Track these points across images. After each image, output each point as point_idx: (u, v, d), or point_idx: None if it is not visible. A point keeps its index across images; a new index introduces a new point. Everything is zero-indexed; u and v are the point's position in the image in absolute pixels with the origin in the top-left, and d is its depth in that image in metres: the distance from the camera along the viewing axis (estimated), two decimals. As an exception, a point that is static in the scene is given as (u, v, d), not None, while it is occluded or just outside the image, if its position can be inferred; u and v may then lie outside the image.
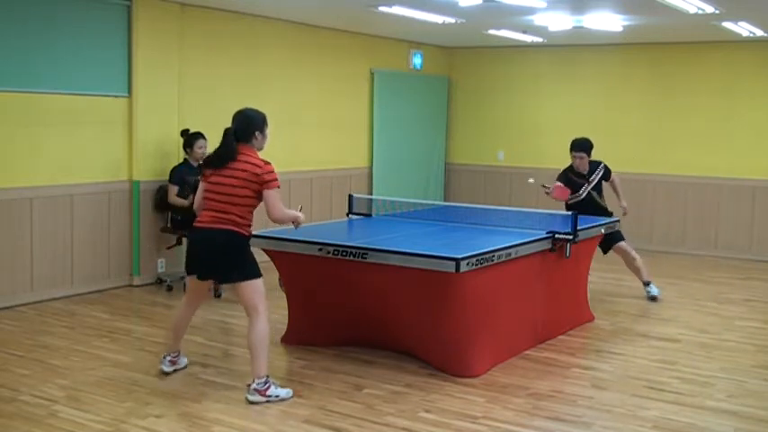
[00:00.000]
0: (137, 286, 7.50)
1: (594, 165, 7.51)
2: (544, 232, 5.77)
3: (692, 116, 10.06)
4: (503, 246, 5.22)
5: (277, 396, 4.59)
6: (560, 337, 6.08)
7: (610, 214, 7.35)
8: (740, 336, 6.28)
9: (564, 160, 7.58)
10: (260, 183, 4.54)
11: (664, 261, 9.57)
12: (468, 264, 4.80)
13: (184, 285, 7.28)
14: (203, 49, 8.01)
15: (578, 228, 5.81)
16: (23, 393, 4.65)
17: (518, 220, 6.36)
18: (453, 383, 4.95)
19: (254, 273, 4.64)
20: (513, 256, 5.27)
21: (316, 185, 9.38)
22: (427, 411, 4.50)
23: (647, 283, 7.49)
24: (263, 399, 4.56)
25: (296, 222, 4.82)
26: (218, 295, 7.14)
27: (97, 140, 7.19)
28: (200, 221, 4.66)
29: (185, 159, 7.46)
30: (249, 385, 4.61)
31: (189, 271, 4.78)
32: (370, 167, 10.46)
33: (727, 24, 8.23)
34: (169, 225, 7.55)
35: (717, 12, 7.34)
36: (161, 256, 7.70)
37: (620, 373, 5.29)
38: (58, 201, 6.91)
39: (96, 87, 7.13)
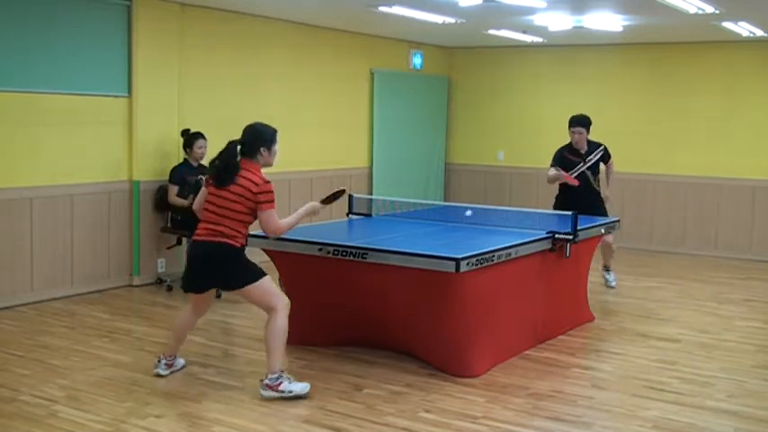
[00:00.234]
0: (137, 286, 7.50)
1: (594, 145, 7.50)
2: (544, 232, 5.77)
3: (692, 116, 10.06)
4: (503, 246, 5.22)
5: (291, 391, 4.58)
6: (560, 337, 6.08)
7: (601, 199, 7.38)
8: (740, 336, 6.28)
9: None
10: (254, 201, 4.52)
11: (664, 261, 9.58)
12: (468, 264, 4.79)
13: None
14: (203, 49, 8.01)
15: (578, 228, 5.81)
16: (23, 393, 4.65)
17: (518, 220, 6.35)
18: (453, 383, 4.95)
19: (255, 275, 4.62)
20: (513, 256, 5.27)
21: (316, 185, 9.37)
22: (427, 411, 4.50)
23: (607, 269, 7.75)
24: (276, 394, 4.56)
25: (313, 213, 4.78)
26: (218, 295, 7.13)
27: (97, 140, 7.19)
28: (197, 234, 4.66)
29: (185, 159, 7.46)
30: (262, 381, 4.61)
31: (186, 288, 4.79)
32: (370, 167, 10.46)
33: (727, 24, 8.23)
34: (169, 225, 7.55)
35: (717, 12, 7.34)
36: (161, 256, 7.71)
37: (620, 373, 5.29)
38: (57, 201, 6.91)
39: (96, 87, 7.13)
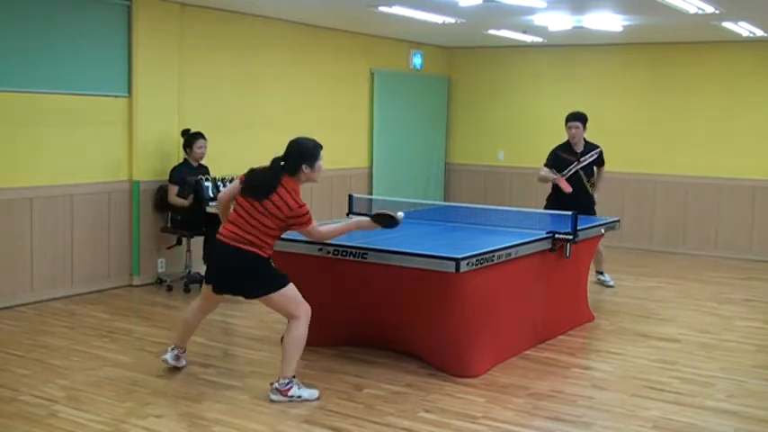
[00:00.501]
0: (137, 286, 7.50)
1: (591, 146, 7.53)
2: (544, 232, 5.77)
3: (693, 116, 10.06)
4: (503, 246, 5.22)
5: (299, 396, 4.57)
6: (560, 337, 6.08)
7: (594, 202, 7.41)
8: (740, 336, 6.28)
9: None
10: (286, 224, 4.52)
11: (664, 261, 9.58)
12: (468, 264, 4.80)
13: (185, 285, 7.31)
14: (203, 49, 8.01)
15: (578, 228, 5.81)
16: (23, 393, 4.65)
17: (518, 220, 6.35)
18: (453, 383, 4.95)
19: (279, 283, 4.58)
20: (513, 256, 5.27)
21: (316, 185, 9.34)
22: (427, 411, 4.50)
23: (600, 272, 7.81)
24: (285, 398, 4.55)
25: (364, 226, 4.88)
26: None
27: (97, 140, 7.19)
28: (223, 234, 4.59)
29: (185, 159, 7.46)
30: (272, 384, 4.60)
31: (208, 281, 4.77)
32: (370, 167, 10.46)
33: (727, 24, 8.23)
34: (169, 225, 7.55)
35: (717, 12, 7.34)
36: (161, 256, 7.70)
37: (620, 373, 5.29)
38: (57, 201, 6.91)
39: (96, 87, 7.13)
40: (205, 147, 7.41)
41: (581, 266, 6.48)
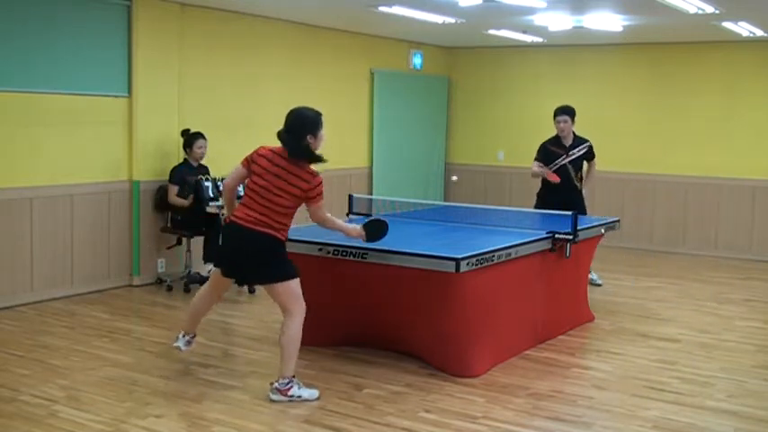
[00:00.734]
0: (137, 286, 7.50)
1: (580, 140, 7.57)
2: (544, 232, 5.77)
3: (692, 116, 10.06)
4: (503, 246, 5.22)
5: (299, 396, 4.56)
6: (560, 337, 6.08)
7: (582, 197, 7.42)
8: (740, 336, 6.28)
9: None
10: (303, 197, 4.49)
11: (664, 261, 9.58)
12: (468, 264, 4.80)
13: (185, 285, 7.30)
14: (203, 49, 8.01)
15: (578, 228, 5.81)
16: (23, 393, 4.65)
17: (518, 220, 6.35)
18: (453, 383, 4.95)
19: (287, 274, 4.55)
20: (513, 256, 5.27)
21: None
22: (427, 411, 4.50)
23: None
24: (285, 398, 4.55)
25: (352, 236, 4.82)
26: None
27: (97, 140, 7.19)
28: (237, 216, 4.53)
29: (185, 159, 7.46)
30: (272, 384, 4.60)
31: (217, 264, 4.76)
32: (370, 167, 10.46)
33: (727, 24, 8.23)
34: (169, 225, 7.55)
35: (717, 12, 7.34)
36: (161, 256, 7.70)
37: (620, 373, 5.29)
38: (57, 201, 6.91)
39: (96, 87, 7.13)
40: (205, 147, 7.42)
41: (581, 266, 6.48)
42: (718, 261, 9.59)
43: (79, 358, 5.34)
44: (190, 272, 7.40)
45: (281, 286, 4.55)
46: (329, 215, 4.72)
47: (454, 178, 7.31)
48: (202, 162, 7.49)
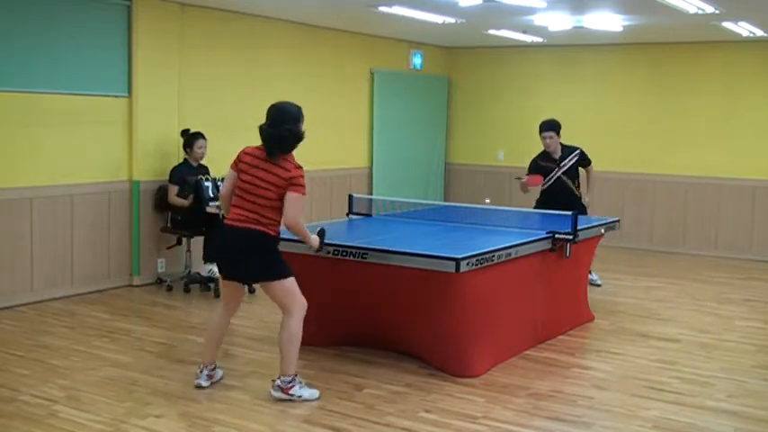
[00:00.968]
0: (137, 286, 7.50)
1: (569, 150, 7.58)
2: (544, 232, 5.77)
3: (692, 116, 10.06)
4: (503, 246, 5.22)
5: (300, 396, 4.55)
6: (560, 337, 6.08)
7: (581, 204, 7.42)
8: (740, 336, 6.28)
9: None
10: (286, 187, 4.46)
11: (664, 261, 9.58)
12: (468, 264, 4.80)
13: (185, 285, 7.30)
14: (203, 49, 8.01)
15: (578, 228, 5.81)
16: (23, 393, 4.65)
17: (518, 220, 6.35)
18: (453, 383, 4.95)
19: (283, 272, 4.55)
20: (513, 256, 5.27)
21: (316, 185, 9.37)
22: (427, 411, 4.50)
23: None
24: (286, 396, 4.54)
25: (311, 245, 4.73)
26: (218, 295, 7.13)
27: (97, 140, 7.19)
28: (229, 219, 4.58)
29: (185, 159, 7.46)
30: (274, 381, 4.59)
31: (219, 269, 4.75)
32: (370, 167, 10.46)
33: (727, 24, 8.23)
34: (169, 225, 7.54)
35: (717, 12, 7.34)
36: (161, 256, 7.70)
37: (620, 373, 5.29)
38: (57, 201, 6.91)
39: (96, 87, 7.13)
40: (205, 147, 7.41)
41: (581, 266, 6.48)
42: (718, 261, 9.59)
43: (79, 358, 5.34)
44: (190, 272, 7.40)
45: (279, 284, 4.55)
46: (302, 221, 4.59)
47: (487, 201, 7.28)
48: (202, 162, 7.49)
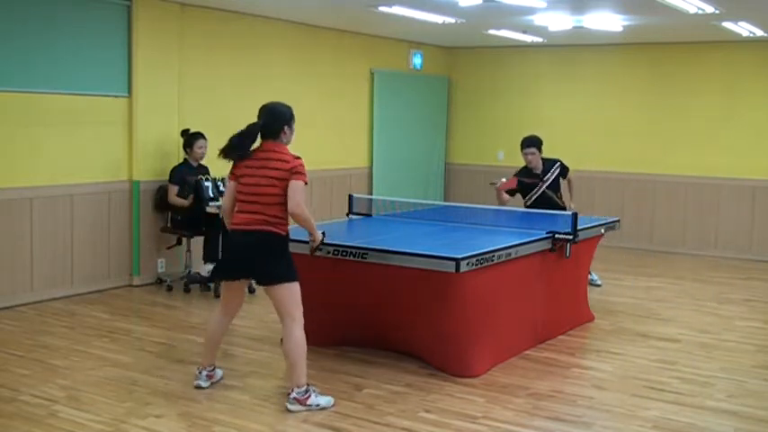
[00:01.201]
0: (137, 286, 7.50)
1: (550, 163, 7.59)
2: (544, 232, 5.77)
3: (692, 116, 10.06)
4: (503, 246, 5.22)
5: (318, 405, 4.48)
6: (560, 337, 6.08)
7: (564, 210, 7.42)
8: (740, 336, 6.28)
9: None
10: (288, 178, 4.41)
11: (664, 261, 9.57)
12: (468, 264, 4.79)
13: (185, 285, 7.30)
14: (203, 49, 8.01)
15: (578, 228, 5.81)
16: (23, 393, 4.65)
17: (518, 221, 6.35)
18: (453, 383, 4.94)
19: (290, 276, 4.49)
20: (513, 256, 5.27)
21: (316, 185, 9.37)
22: (427, 411, 4.50)
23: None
24: (303, 408, 4.45)
25: (314, 241, 4.67)
26: (218, 295, 7.13)
27: (97, 140, 7.19)
28: (236, 223, 4.53)
29: (185, 159, 7.46)
30: (289, 394, 4.50)
31: (221, 276, 4.65)
32: (370, 167, 10.46)
33: (727, 24, 8.23)
34: (169, 225, 7.55)
35: (717, 12, 7.34)
36: (161, 256, 7.70)
37: (620, 373, 5.29)
38: (57, 201, 6.91)
39: (96, 87, 7.13)
40: (205, 147, 7.41)
41: (581, 266, 6.48)
42: (718, 261, 9.59)
43: (79, 358, 5.34)
44: (190, 272, 7.40)
45: (287, 288, 4.47)
46: (308, 213, 4.58)
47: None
48: (202, 162, 7.49)
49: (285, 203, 4.44)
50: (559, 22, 8.38)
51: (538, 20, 8.34)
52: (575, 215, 5.83)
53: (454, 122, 11.72)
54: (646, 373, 5.28)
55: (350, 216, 6.70)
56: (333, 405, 4.53)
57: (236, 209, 4.57)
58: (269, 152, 4.50)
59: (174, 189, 7.27)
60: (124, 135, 7.41)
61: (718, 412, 4.61)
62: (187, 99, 7.83)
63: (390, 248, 5.04)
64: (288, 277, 4.49)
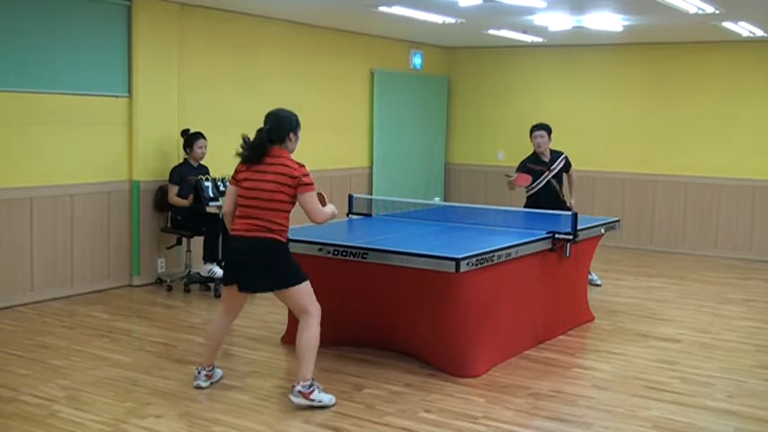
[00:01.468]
0: (137, 286, 7.50)
1: (557, 154, 7.62)
2: (544, 232, 5.77)
3: (692, 116, 10.05)
4: (503, 246, 5.22)
5: (320, 401, 4.48)
6: (560, 337, 6.08)
7: (568, 209, 7.42)
8: (740, 336, 6.28)
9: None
10: (296, 186, 4.44)
11: (664, 261, 9.57)
12: (468, 264, 4.80)
13: (185, 285, 7.30)
14: (203, 49, 8.01)
15: (578, 228, 5.81)
16: (23, 393, 4.65)
17: (518, 220, 6.35)
18: (453, 383, 4.94)
19: (299, 277, 4.51)
20: (513, 256, 5.27)
21: (316, 185, 9.35)
22: (427, 411, 4.50)
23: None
24: (306, 402, 4.46)
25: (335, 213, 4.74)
26: (218, 295, 7.13)
27: (97, 140, 7.19)
28: (236, 229, 4.53)
29: (185, 159, 7.46)
30: (294, 387, 4.51)
31: (228, 281, 4.62)
32: (370, 167, 10.46)
33: (728, 24, 8.23)
34: (169, 225, 7.55)
35: (717, 12, 7.34)
36: (161, 256, 7.70)
37: (620, 373, 5.29)
38: (57, 201, 6.91)
39: (96, 87, 7.13)
40: (205, 147, 7.41)
41: (581, 266, 6.48)
42: (718, 261, 9.59)
43: (79, 358, 5.34)
44: (190, 272, 7.40)
45: (297, 290, 4.49)
46: (326, 207, 4.62)
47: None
48: (202, 162, 7.49)
49: (288, 210, 4.48)
50: (559, 22, 8.39)
51: (538, 20, 8.34)
52: (575, 215, 5.83)
53: (454, 122, 11.72)
54: (646, 373, 5.28)
55: (350, 216, 6.70)
56: (335, 404, 4.53)
57: (237, 212, 4.57)
58: (274, 158, 4.50)
59: (174, 189, 7.27)
60: (124, 135, 7.41)
61: (718, 412, 4.61)
62: (187, 99, 7.83)
63: (390, 248, 5.04)
64: (295, 280, 4.50)
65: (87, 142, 7.10)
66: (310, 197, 4.49)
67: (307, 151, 9.29)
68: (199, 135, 7.41)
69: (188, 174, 7.27)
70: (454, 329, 5.07)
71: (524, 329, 5.72)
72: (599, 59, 10.62)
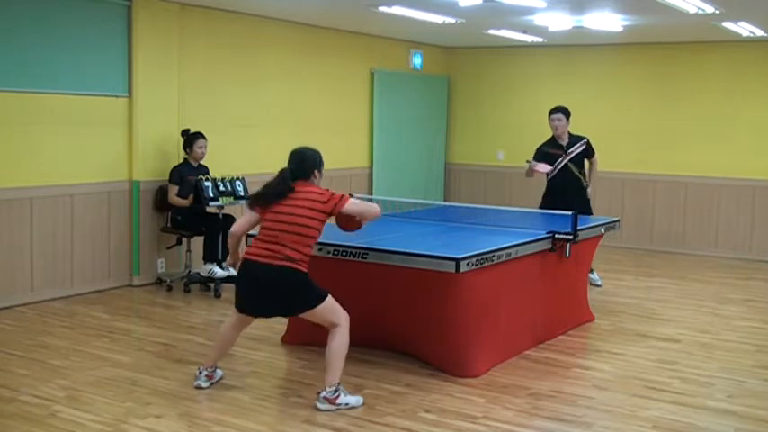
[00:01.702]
0: (137, 286, 7.50)
1: (576, 138, 7.57)
2: (544, 232, 5.77)
3: (693, 116, 10.05)
4: (503, 246, 5.22)
5: (347, 404, 4.48)
6: (560, 337, 6.08)
7: (587, 197, 7.41)
8: (740, 336, 6.28)
9: None
10: (329, 204, 4.47)
11: (664, 261, 9.57)
12: (468, 264, 4.80)
13: (185, 285, 7.30)
14: (203, 49, 8.01)
15: (578, 228, 5.81)
16: (23, 393, 4.65)
17: (518, 220, 6.35)
18: (453, 383, 4.94)
19: (320, 296, 4.51)
20: (513, 256, 5.27)
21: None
22: (427, 411, 4.50)
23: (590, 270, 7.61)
24: (333, 407, 4.45)
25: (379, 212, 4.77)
26: (218, 295, 7.14)
27: (97, 140, 7.19)
28: (251, 254, 4.50)
29: (185, 159, 7.46)
30: (319, 393, 4.50)
31: (241, 309, 4.62)
32: (370, 167, 10.46)
33: (728, 24, 8.23)
34: (169, 225, 7.54)
35: (717, 12, 7.34)
36: (161, 256, 7.70)
37: (620, 373, 5.29)
38: (57, 201, 6.91)
39: (96, 87, 7.13)
40: (205, 147, 7.41)
41: (581, 266, 6.48)
42: (718, 261, 9.59)
43: (79, 358, 5.34)
44: (190, 272, 7.40)
45: (320, 309, 4.50)
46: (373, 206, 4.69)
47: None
48: (202, 162, 7.49)
49: (315, 238, 4.52)
50: (559, 22, 8.39)
51: (538, 20, 8.34)
52: (575, 215, 5.83)
53: (454, 122, 11.72)
54: (646, 373, 5.27)
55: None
56: (362, 404, 4.53)
57: (258, 236, 4.54)
58: (303, 192, 4.52)
59: (174, 189, 7.27)
60: (124, 135, 7.40)
61: (718, 412, 4.61)
62: (187, 99, 7.83)
63: (390, 248, 5.04)
64: (317, 302, 4.50)
65: (87, 142, 7.10)
66: (351, 203, 4.54)
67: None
68: (199, 135, 7.41)
69: (188, 174, 7.27)
70: (454, 329, 5.07)
71: (524, 329, 5.72)
72: (599, 59, 10.63)
